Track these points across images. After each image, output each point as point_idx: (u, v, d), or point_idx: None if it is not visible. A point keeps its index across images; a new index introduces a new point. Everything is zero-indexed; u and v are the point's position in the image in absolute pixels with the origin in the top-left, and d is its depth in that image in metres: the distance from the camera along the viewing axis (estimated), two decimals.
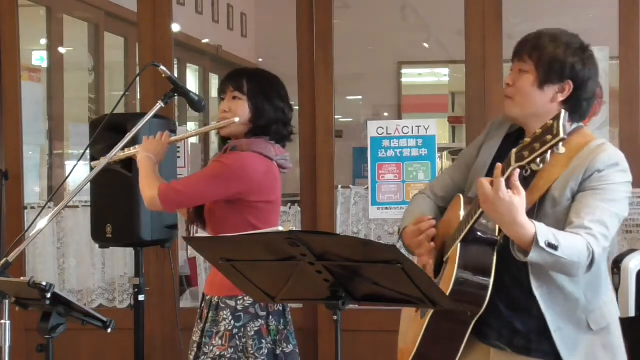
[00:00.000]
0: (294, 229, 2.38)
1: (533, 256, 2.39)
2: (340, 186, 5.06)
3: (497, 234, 2.57)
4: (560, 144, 2.24)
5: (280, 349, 3.31)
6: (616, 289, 4.18)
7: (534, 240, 2.38)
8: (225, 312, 3.28)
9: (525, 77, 2.65)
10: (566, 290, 2.59)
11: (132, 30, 6.03)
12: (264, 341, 3.27)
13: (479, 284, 2.55)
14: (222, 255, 2.50)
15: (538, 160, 2.28)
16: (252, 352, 3.25)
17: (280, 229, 2.52)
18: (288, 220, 5.00)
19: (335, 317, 2.46)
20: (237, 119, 3.32)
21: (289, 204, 5.07)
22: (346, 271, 2.41)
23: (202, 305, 3.40)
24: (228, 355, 3.25)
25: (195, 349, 3.34)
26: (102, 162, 3.23)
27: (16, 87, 5.27)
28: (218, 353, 3.26)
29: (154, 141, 3.39)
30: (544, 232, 2.40)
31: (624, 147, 4.74)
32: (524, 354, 2.65)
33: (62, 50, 6.83)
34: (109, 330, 2.87)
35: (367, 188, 4.91)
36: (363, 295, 2.50)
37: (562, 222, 2.54)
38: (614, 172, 2.57)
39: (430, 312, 2.65)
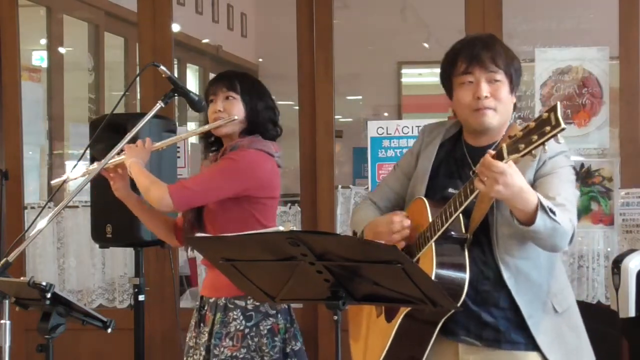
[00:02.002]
0: (295, 229, 2.38)
1: (539, 222, 2.43)
2: (340, 186, 5.06)
3: (464, 232, 2.63)
4: (559, 134, 2.30)
5: (290, 346, 3.32)
6: (616, 289, 4.18)
7: (539, 205, 2.43)
8: (235, 312, 3.27)
9: (503, 87, 2.69)
10: (532, 278, 2.66)
11: (132, 30, 6.02)
12: (276, 339, 3.28)
13: (457, 280, 2.59)
14: (222, 255, 2.50)
15: (533, 152, 2.34)
16: (266, 350, 3.26)
17: (281, 228, 2.52)
18: (288, 220, 5.00)
19: (335, 317, 2.46)
20: (236, 117, 3.33)
21: (289, 204, 5.07)
22: (346, 271, 2.41)
23: (205, 308, 3.37)
24: (241, 356, 3.24)
25: (204, 352, 3.30)
26: (97, 168, 3.23)
27: (16, 87, 5.28)
28: (229, 354, 3.24)
29: (138, 148, 3.34)
30: (543, 198, 2.47)
31: (623, 147, 4.75)
32: (493, 347, 2.69)
33: (62, 50, 6.83)
34: (109, 330, 2.86)
35: (367, 188, 4.91)
36: (363, 295, 2.50)
37: None
38: (563, 157, 2.67)
39: (401, 315, 2.67)
